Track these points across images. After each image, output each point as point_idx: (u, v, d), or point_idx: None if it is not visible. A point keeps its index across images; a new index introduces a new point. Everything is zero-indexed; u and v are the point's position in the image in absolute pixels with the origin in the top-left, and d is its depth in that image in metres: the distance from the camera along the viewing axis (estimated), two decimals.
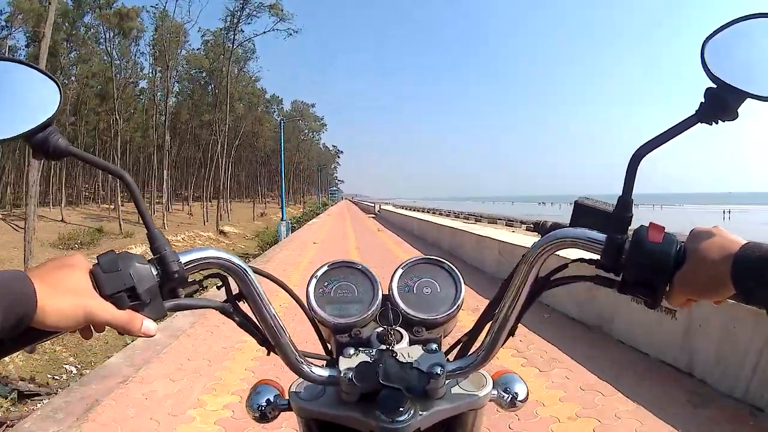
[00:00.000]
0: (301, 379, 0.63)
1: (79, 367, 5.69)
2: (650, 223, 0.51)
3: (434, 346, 0.61)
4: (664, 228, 0.51)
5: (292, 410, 0.66)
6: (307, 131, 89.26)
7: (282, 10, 36.47)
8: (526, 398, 0.71)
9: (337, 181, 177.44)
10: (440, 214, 39.22)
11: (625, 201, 0.52)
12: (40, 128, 0.50)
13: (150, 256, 0.52)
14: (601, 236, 0.53)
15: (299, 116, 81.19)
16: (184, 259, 0.52)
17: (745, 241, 0.48)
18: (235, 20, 35.91)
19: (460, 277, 0.72)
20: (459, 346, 0.68)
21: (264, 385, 0.72)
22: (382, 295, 0.70)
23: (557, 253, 0.55)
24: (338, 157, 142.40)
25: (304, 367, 0.60)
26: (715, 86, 0.50)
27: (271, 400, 0.70)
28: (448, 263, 0.74)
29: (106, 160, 0.57)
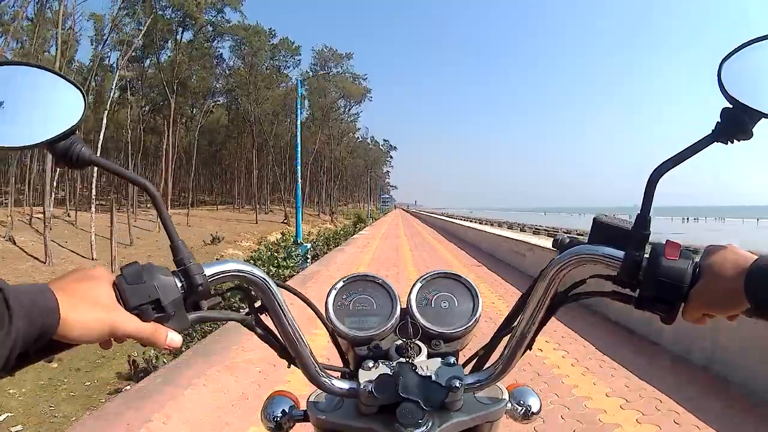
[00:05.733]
0: (319, 391, 0.63)
1: None
2: (667, 240, 0.52)
3: (452, 359, 0.62)
4: (680, 245, 0.52)
5: (307, 421, 0.66)
6: (340, 99, 50.11)
7: None
8: (539, 411, 0.72)
9: (389, 186, 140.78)
10: None
11: (644, 218, 0.53)
12: (63, 136, 0.50)
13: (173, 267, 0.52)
14: (619, 253, 0.54)
15: (326, 73, 44.86)
16: (208, 271, 0.52)
17: (757, 257, 0.49)
18: None
19: (477, 291, 0.73)
20: (476, 359, 0.69)
21: (279, 396, 0.73)
22: (401, 308, 0.71)
23: (576, 268, 0.56)
24: (390, 155, 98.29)
25: (325, 379, 0.61)
26: (731, 106, 0.51)
27: (287, 411, 0.71)
28: (465, 278, 0.74)
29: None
